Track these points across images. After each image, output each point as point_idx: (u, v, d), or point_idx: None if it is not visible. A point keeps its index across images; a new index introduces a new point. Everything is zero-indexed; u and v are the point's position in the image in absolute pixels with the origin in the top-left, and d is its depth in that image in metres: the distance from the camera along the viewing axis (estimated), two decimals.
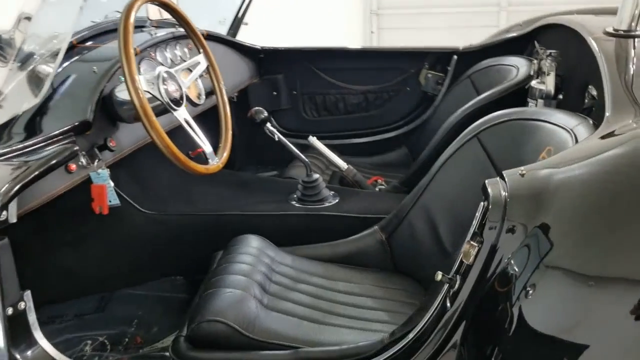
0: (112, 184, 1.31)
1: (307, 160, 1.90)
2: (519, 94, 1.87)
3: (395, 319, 1.41)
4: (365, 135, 2.79)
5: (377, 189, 2.14)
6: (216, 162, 1.50)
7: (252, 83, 2.75)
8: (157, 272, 1.83)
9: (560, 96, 1.60)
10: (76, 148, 1.26)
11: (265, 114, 1.89)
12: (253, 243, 1.62)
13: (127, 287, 1.81)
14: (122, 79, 1.50)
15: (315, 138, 2.06)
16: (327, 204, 1.87)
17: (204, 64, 1.64)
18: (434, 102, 2.65)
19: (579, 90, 1.49)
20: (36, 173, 1.11)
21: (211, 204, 1.87)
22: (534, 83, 1.64)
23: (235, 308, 1.29)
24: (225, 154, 1.55)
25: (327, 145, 2.72)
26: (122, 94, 1.40)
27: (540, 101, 1.61)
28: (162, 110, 1.38)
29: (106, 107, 1.42)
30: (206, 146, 1.48)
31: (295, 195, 1.92)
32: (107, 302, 1.75)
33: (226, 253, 1.60)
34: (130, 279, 1.81)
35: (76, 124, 1.30)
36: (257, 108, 1.91)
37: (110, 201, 1.31)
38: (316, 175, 1.90)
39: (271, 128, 1.91)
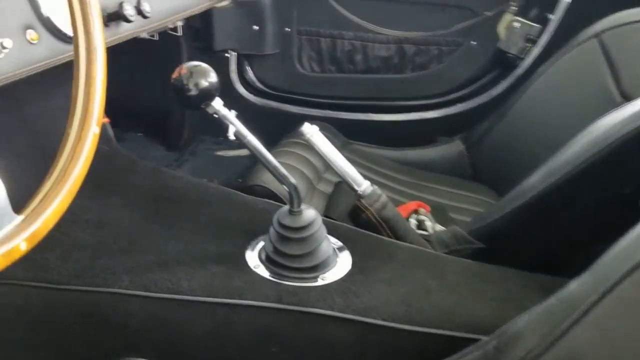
0: None
1: (293, 183, 0.91)
2: None
3: None
4: (394, 110, 1.79)
5: (419, 231, 1.17)
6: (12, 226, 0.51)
7: (219, 7, 1.71)
8: None
9: None
10: None
11: (213, 80, 0.87)
12: None
13: None
14: None
15: (315, 129, 1.06)
16: (324, 280, 0.91)
17: None
18: (515, 70, 1.65)
19: None
20: None
21: (77, 263, 0.89)
22: None
23: None
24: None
25: (329, 120, 1.76)
26: None
27: None
28: None
29: None
30: None
31: (262, 249, 0.96)
32: None
33: None
34: None
35: None
36: (195, 65, 0.87)
37: None
38: (311, 213, 0.92)
39: (223, 112, 0.90)
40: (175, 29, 1.49)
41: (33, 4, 0.87)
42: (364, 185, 1.09)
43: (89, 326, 0.83)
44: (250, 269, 0.93)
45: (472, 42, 1.71)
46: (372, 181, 1.47)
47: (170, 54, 1.83)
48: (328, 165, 1.49)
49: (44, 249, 0.93)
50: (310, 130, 1.06)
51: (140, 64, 1.81)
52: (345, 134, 1.70)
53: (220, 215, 1.08)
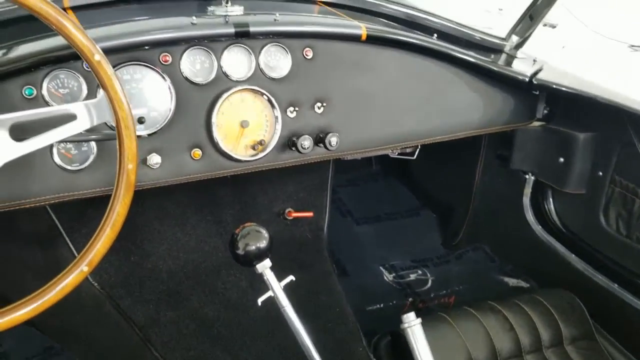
0: None
1: None
2: None
3: None
4: None
5: None
6: None
7: (524, 128, 1.59)
8: None
9: None
10: None
11: (262, 245, 0.95)
12: None
13: None
14: None
15: (417, 323, 0.98)
16: None
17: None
18: None
19: None
20: None
21: (177, 333, 1.15)
22: None
23: None
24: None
25: (608, 296, 1.46)
26: None
27: None
28: None
29: None
30: None
31: None
32: None
33: None
34: None
35: None
36: (255, 229, 0.97)
37: None
38: None
39: (268, 276, 0.96)
40: (412, 153, 1.50)
41: (208, 129, 1.11)
42: None
43: None
44: None
45: None
46: None
47: (469, 155, 1.82)
48: (512, 353, 1.28)
49: (176, 307, 1.21)
50: (411, 321, 0.99)
51: (446, 155, 1.87)
52: (607, 322, 1.39)
53: None
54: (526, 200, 1.72)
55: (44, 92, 0.98)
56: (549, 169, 1.62)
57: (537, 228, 1.71)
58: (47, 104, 0.98)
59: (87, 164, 1.04)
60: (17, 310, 0.81)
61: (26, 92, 0.97)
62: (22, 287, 1.38)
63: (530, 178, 1.69)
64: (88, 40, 0.80)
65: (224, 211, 1.40)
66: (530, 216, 1.72)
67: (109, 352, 1.29)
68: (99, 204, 1.06)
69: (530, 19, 1.52)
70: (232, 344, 1.17)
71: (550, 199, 1.69)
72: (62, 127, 0.84)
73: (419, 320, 0.99)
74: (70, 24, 0.79)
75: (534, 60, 1.54)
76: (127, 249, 1.30)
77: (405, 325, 0.99)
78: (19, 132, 0.85)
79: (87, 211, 1.24)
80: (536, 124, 1.61)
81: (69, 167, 1.03)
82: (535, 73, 1.45)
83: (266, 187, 1.45)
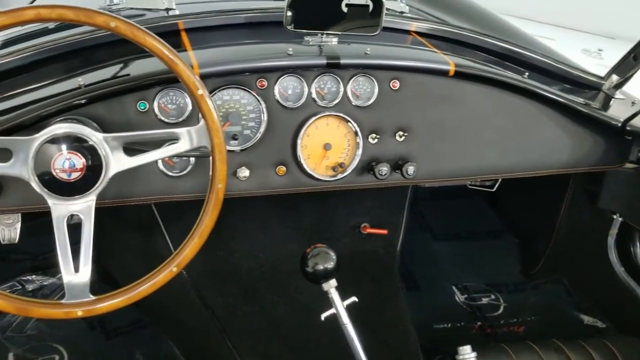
0: None
1: None
2: None
3: None
4: None
5: None
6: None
7: (613, 170, 1.57)
8: None
9: None
10: None
11: (329, 266, 1.07)
12: None
13: None
14: None
15: (472, 356, 1.05)
16: None
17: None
18: None
19: None
20: None
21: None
22: None
23: None
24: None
25: None
26: None
27: None
28: None
29: None
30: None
31: None
32: None
33: None
34: None
35: None
36: (324, 250, 1.09)
37: None
38: None
39: (333, 294, 1.08)
40: (491, 186, 1.52)
41: (293, 149, 1.22)
42: None
43: None
44: None
45: None
46: None
47: (556, 186, 1.81)
48: None
49: (251, 303, 1.36)
50: (465, 355, 1.06)
51: (534, 183, 1.88)
52: None
53: None
54: (611, 240, 1.69)
55: (155, 106, 1.14)
56: (638, 212, 1.59)
57: (620, 270, 1.68)
58: (156, 117, 1.14)
59: (185, 171, 1.19)
60: (115, 298, 0.97)
61: (140, 106, 1.13)
62: (123, 265, 1.60)
63: (617, 219, 1.66)
64: (195, 77, 0.94)
65: (303, 219, 1.53)
66: (613, 257, 1.70)
67: (189, 334, 1.46)
68: (195, 202, 1.21)
69: (634, 59, 1.49)
70: (298, 344, 1.29)
71: (637, 243, 1.66)
72: (166, 147, 0.99)
73: (474, 354, 1.05)
74: (180, 63, 0.93)
75: (633, 102, 1.51)
76: (215, 245, 1.46)
77: (460, 357, 1.06)
78: (130, 144, 1.01)
79: (184, 208, 1.41)
80: (629, 165, 1.58)
81: (170, 174, 1.18)
82: (631, 117, 1.42)
83: (345, 200, 1.55)
